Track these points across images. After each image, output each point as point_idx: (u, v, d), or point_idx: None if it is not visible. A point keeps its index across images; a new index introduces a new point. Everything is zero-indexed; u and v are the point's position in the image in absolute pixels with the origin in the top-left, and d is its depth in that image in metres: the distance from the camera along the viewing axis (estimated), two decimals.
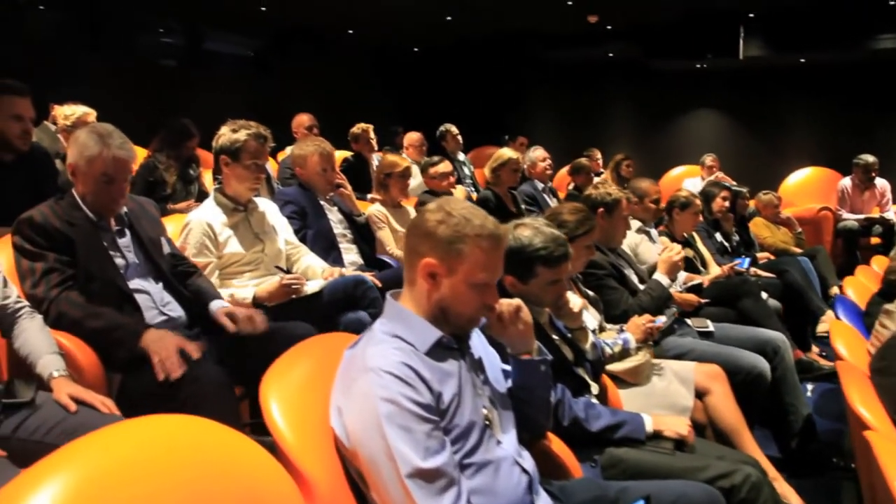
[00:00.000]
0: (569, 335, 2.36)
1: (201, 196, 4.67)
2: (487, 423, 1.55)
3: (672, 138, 9.39)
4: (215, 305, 2.40)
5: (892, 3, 7.01)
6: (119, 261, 2.24)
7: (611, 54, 8.48)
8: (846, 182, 7.30)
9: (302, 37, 8.42)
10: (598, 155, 8.29)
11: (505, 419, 1.63)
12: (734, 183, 7.99)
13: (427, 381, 1.42)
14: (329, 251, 3.37)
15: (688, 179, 8.50)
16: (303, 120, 5.53)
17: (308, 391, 1.53)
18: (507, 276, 2.18)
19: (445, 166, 4.67)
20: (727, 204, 5.47)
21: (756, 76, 8.73)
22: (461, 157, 7.28)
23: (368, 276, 2.96)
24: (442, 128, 7.27)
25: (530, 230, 2.17)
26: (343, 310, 2.71)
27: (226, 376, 1.96)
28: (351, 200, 3.70)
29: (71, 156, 2.20)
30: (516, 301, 1.69)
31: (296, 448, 1.39)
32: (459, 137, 7.25)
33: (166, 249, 2.44)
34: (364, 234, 3.68)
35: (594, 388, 2.31)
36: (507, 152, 5.28)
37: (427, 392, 1.41)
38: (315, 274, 3.01)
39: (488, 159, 8.10)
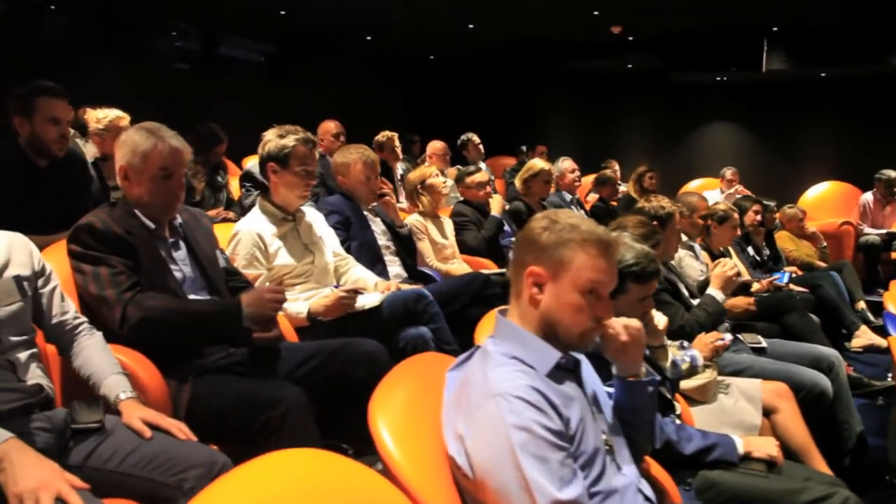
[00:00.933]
0: (647, 353, 2.26)
1: (229, 204, 4.56)
2: (608, 448, 1.48)
3: (689, 151, 9.33)
4: None
5: None
6: (177, 274, 2.11)
7: (629, 65, 8.41)
8: (868, 197, 7.27)
9: (318, 42, 8.32)
10: (617, 167, 8.22)
11: (620, 444, 1.56)
12: (754, 196, 7.95)
13: (556, 406, 1.35)
14: (374, 263, 3.25)
15: (706, 192, 8.43)
16: (329, 127, 5.42)
17: (415, 416, 1.45)
18: None
19: (482, 175, 4.57)
20: (759, 218, 5.41)
21: (775, 90, 8.69)
22: (482, 166, 7.19)
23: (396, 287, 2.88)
24: (464, 136, 7.18)
25: (620, 245, 2.07)
26: (403, 325, 2.60)
27: (306, 398, 1.83)
28: (395, 210, 3.59)
29: (122, 157, 2.07)
30: (637, 322, 1.59)
31: (414, 478, 1.29)
32: (481, 147, 7.16)
33: (221, 263, 2.32)
34: (407, 246, 3.57)
35: (678, 408, 2.22)
36: (538, 163, 5.19)
37: (557, 418, 1.34)
38: (367, 287, 2.89)
39: (503, 169, 8.08)
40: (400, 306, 2.61)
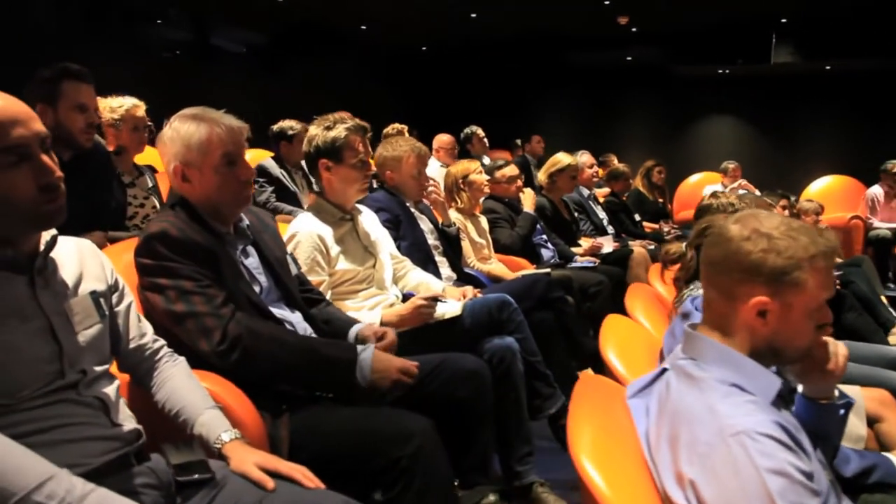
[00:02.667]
0: None
1: None
2: (831, 482, 1.29)
3: (690, 144, 9.23)
4: (354, 333, 2.01)
5: None
6: (255, 286, 1.83)
7: (629, 58, 8.25)
8: (876, 190, 7.21)
9: (314, 32, 7.98)
10: (615, 160, 8.07)
11: None
12: (757, 191, 7.86)
13: (801, 443, 1.17)
14: (426, 265, 2.99)
15: (708, 186, 8.35)
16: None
17: (613, 454, 1.24)
18: None
19: (512, 169, 4.33)
20: (786, 213, 5.28)
21: (778, 83, 8.62)
22: (486, 160, 6.96)
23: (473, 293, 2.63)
24: (467, 130, 6.95)
25: None
26: (486, 335, 2.35)
27: (436, 430, 1.56)
28: (443, 208, 3.33)
29: (173, 156, 1.75)
30: (843, 345, 1.40)
31: None
32: (486, 140, 6.93)
33: (293, 270, 2.04)
34: (455, 247, 3.32)
35: None
36: (564, 157, 4.96)
37: (805, 457, 1.15)
38: (431, 292, 2.63)
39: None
40: (484, 315, 2.36)
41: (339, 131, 2.43)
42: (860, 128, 8.43)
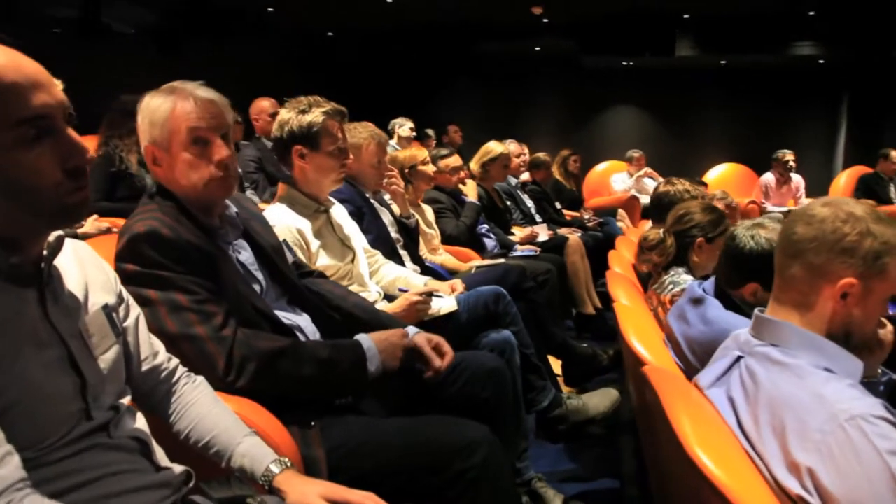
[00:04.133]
0: None
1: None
2: None
3: (596, 133, 9.49)
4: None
5: (811, 13, 7.47)
6: (255, 286, 1.63)
7: (537, 48, 8.35)
8: (769, 177, 7.72)
9: (217, 13, 7.49)
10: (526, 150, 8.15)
11: None
12: (661, 178, 8.20)
13: None
14: (392, 258, 2.85)
15: (615, 175, 8.62)
16: (264, 106, 4.84)
17: (719, 444, 1.20)
18: (748, 284, 1.90)
19: (456, 160, 4.23)
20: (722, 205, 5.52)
21: (679, 75, 9.01)
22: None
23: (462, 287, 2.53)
24: (391, 123, 6.75)
25: (775, 232, 1.88)
26: (483, 329, 2.25)
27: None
28: (403, 199, 3.18)
29: (143, 137, 1.51)
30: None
31: None
32: (413, 133, 6.79)
33: (289, 259, 1.85)
34: (415, 239, 3.19)
35: None
36: (496, 146, 4.92)
37: None
38: (412, 286, 2.50)
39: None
40: (481, 308, 2.26)
41: (316, 115, 2.24)
42: (752, 119, 8.99)
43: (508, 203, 5.35)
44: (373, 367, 1.52)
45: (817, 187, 8.16)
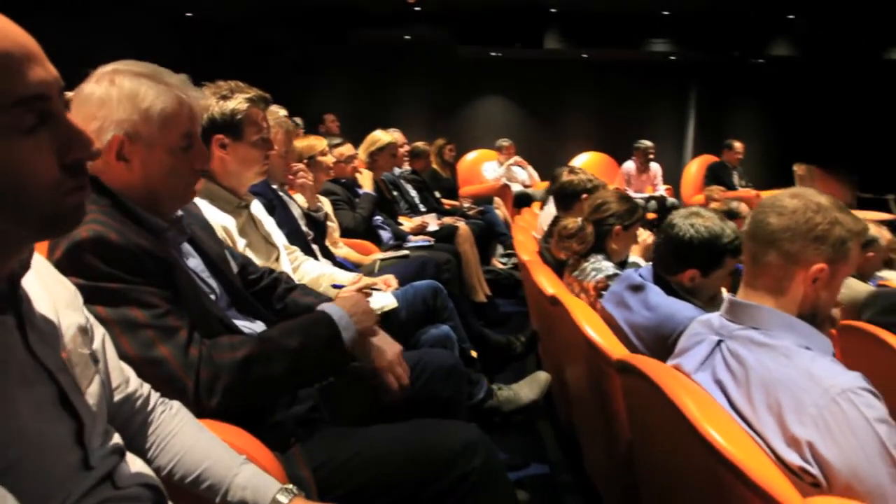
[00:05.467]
0: None
1: None
2: None
3: (467, 123, 9.59)
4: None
5: (665, 13, 8.00)
6: (210, 294, 1.47)
7: (408, 37, 8.30)
8: (630, 165, 8.22)
9: None
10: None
11: None
12: (530, 167, 8.47)
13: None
14: (306, 254, 2.70)
15: (486, 163, 8.78)
16: None
17: (726, 424, 1.21)
18: (688, 271, 1.98)
19: (349, 148, 4.10)
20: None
21: (546, 67, 9.31)
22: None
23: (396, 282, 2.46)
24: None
25: (714, 220, 1.98)
26: (422, 325, 2.19)
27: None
28: (312, 192, 3.03)
29: (117, 123, 1.28)
30: None
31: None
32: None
33: (234, 267, 1.69)
34: (323, 233, 3.05)
35: None
36: (383, 135, 4.84)
37: None
38: (343, 283, 2.38)
39: None
40: (419, 304, 2.19)
41: (239, 102, 2.06)
42: (613, 110, 9.49)
43: (395, 193, 5.29)
44: (348, 336, 1.39)
45: (671, 175, 8.77)
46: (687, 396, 1.23)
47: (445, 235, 4.73)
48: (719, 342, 1.39)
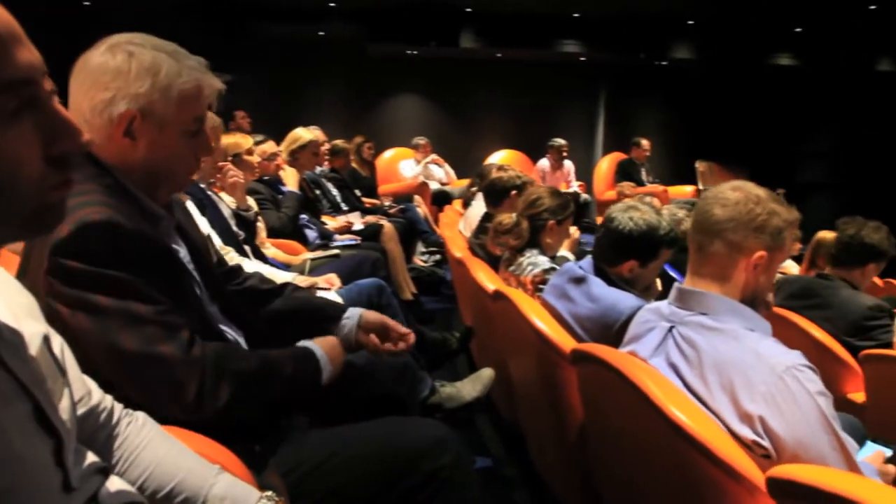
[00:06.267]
0: None
1: None
2: None
3: (383, 121, 9.53)
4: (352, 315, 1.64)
5: (576, 15, 8.23)
6: (197, 289, 1.38)
7: (322, 33, 8.16)
8: (545, 162, 8.42)
9: None
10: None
11: None
12: (447, 164, 8.52)
13: None
14: (239, 255, 2.63)
15: (402, 161, 8.77)
16: None
17: (684, 404, 1.28)
18: (627, 262, 2.06)
19: (272, 146, 4.02)
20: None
21: (461, 66, 9.39)
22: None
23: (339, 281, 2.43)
24: None
25: (651, 214, 2.07)
26: None
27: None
28: (242, 190, 2.94)
29: (132, 97, 1.20)
30: None
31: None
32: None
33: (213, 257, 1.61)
34: (253, 232, 2.97)
35: None
36: (305, 133, 4.74)
37: None
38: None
39: None
40: (365, 303, 2.17)
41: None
42: (526, 109, 9.68)
43: (318, 192, 5.21)
44: (325, 376, 1.38)
45: (583, 172, 9.05)
46: (649, 380, 1.29)
47: (371, 234, 4.71)
48: (671, 328, 1.46)
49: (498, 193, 3.43)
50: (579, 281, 2.11)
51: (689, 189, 8.78)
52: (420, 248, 6.38)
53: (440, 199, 7.56)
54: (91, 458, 0.87)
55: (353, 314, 1.60)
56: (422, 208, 6.96)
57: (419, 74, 9.41)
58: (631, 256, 2.05)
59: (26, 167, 0.66)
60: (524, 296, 2.07)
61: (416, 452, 1.29)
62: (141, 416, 1.07)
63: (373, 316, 1.61)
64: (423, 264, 6.15)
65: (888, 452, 1.61)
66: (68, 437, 0.80)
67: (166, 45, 1.25)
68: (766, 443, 1.25)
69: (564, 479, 1.97)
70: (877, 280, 4.11)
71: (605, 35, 8.47)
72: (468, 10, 7.77)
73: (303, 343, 1.42)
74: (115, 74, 1.20)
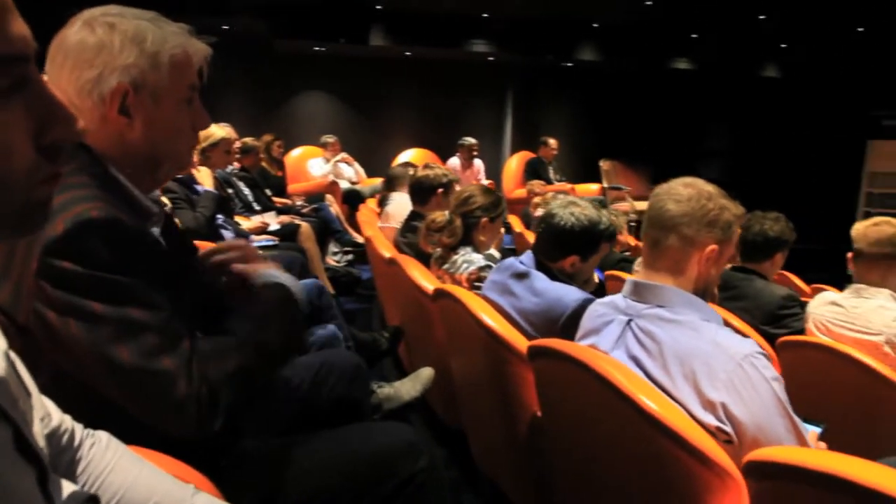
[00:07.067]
0: None
1: None
2: None
3: (290, 119, 9.29)
4: None
5: (485, 15, 8.32)
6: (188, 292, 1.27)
7: (226, 27, 7.85)
8: (455, 161, 8.47)
9: None
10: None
11: None
12: (357, 163, 8.41)
13: None
14: None
15: (311, 160, 8.59)
16: None
17: (651, 393, 1.31)
18: (569, 257, 2.09)
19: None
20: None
21: (370, 64, 9.29)
22: None
23: None
24: None
25: (590, 209, 2.11)
26: (308, 326, 2.10)
27: None
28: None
29: (122, 69, 1.09)
30: None
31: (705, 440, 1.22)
32: None
33: None
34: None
35: None
36: (217, 130, 4.56)
37: None
38: None
39: None
40: (305, 305, 2.08)
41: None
42: (436, 108, 9.70)
43: (230, 191, 5.02)
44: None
45: (492, 170, 9.18)
46: (617, 372, 1.30)
47: (288, 234, 4.59)
48: (629, 321, 1.49)
49: (425, 191, 3.41)
50: (522, 276, 2.12)
51: (594, 187, 9.10)
52: (332, 247, 6.28)
53: (351, 199, 7.47)
54: (68, 486, 0.78)
55: None
56: (334, 207, 6.84)
57: (328, 72, 9.25)
58: (573, 251, 2.09)
59: (16, 157, 0.57)
60: (471, 294, 2.06)
61: (390, 458, 1.26)
62: (104, 436, 0.98)
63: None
64: (335, 264, 6.06)
65: (818, 430, 1.71)
66: (47, 461, 0.71)
67: (145, 13, 1.14)
68: (728, 428, 1.30)
69: (515, 478, 1.97)
70: None
71: (513, 36, 8.61)
72: (378, 7, 7.70)
73: (270, 278, 1.32)
74: (99, 49, 1.09)
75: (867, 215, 8.54)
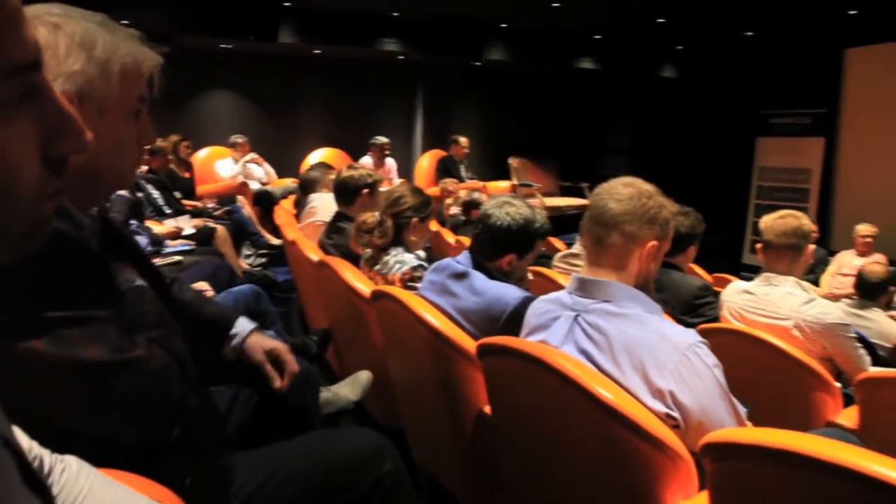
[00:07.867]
0: None
1: None
2: None
3: (194, 119, 8.93)
4: (243, 331, 1.58)
5: (395, 14, 8.31)
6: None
7: (125, 22, 7.45)
8: (367, 160, 8.41)
9: None
10: None
11: None
12: (267, 163, 8.22)
13: None
14: None
15: (219, 161, 8.32)
16: None
17: (603, 382, 1.38)
18: (506, 255, 2.14)
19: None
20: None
21: (280, 62, 9.09)
22: None
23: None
24: None
25: (524, 208, 2.16)
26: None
27: None
28: None
29: (67, 76, 1.01)
30: None
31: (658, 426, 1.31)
32: None
33: None
34: None
35: None
36: None
37: None
38: None
39: None
40: (243, 311, 2.03)
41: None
42: (346, 106, 9.60)
43: (140, 195, 4.82)
44: None
45: (403, 169, 9.19)
46: (571, 366, 1.36)
47: (203, 238, 4.46)
48: (577, 317, 1.55)
49: (350, 192, 3.39)
50: (461, 276, 2.15)
51: (505, 184, 9.28)
52: (245, 250, 6.14)
53: (263, 200, 7.30)
54: None
55: (242, 330, 1.52)
56: (246, 209, 6.68)
57: (235, 69, 8.98)
58: (510, 250, 2.13)
59: (25, 172, 0.53)
60: (411, 294, 2.07)
61: (357, 463, 1.27)
62: (73, 461, 0.92)
63: (267, 343, 1.53)
64: (249, 267, 5.92)
65: (744, 410, 1.83)
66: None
67: (94, 15, 1.07)
68: (675, 414, 1.38)
69: (463, 477, 2.01)
70: None
71: (423, 35, 8.65)
72: (287, 4, 7.55)
73: None
74: (42, 51, 1.02)
75: (758, 207, 9.18)
